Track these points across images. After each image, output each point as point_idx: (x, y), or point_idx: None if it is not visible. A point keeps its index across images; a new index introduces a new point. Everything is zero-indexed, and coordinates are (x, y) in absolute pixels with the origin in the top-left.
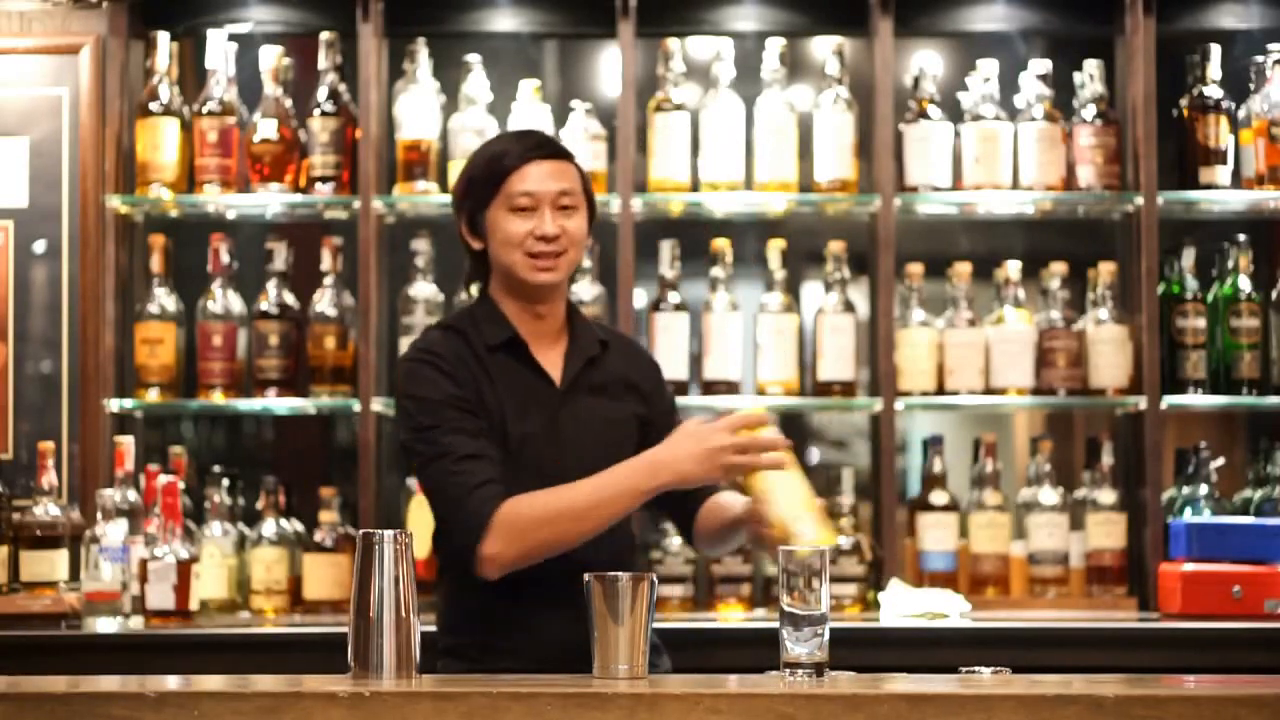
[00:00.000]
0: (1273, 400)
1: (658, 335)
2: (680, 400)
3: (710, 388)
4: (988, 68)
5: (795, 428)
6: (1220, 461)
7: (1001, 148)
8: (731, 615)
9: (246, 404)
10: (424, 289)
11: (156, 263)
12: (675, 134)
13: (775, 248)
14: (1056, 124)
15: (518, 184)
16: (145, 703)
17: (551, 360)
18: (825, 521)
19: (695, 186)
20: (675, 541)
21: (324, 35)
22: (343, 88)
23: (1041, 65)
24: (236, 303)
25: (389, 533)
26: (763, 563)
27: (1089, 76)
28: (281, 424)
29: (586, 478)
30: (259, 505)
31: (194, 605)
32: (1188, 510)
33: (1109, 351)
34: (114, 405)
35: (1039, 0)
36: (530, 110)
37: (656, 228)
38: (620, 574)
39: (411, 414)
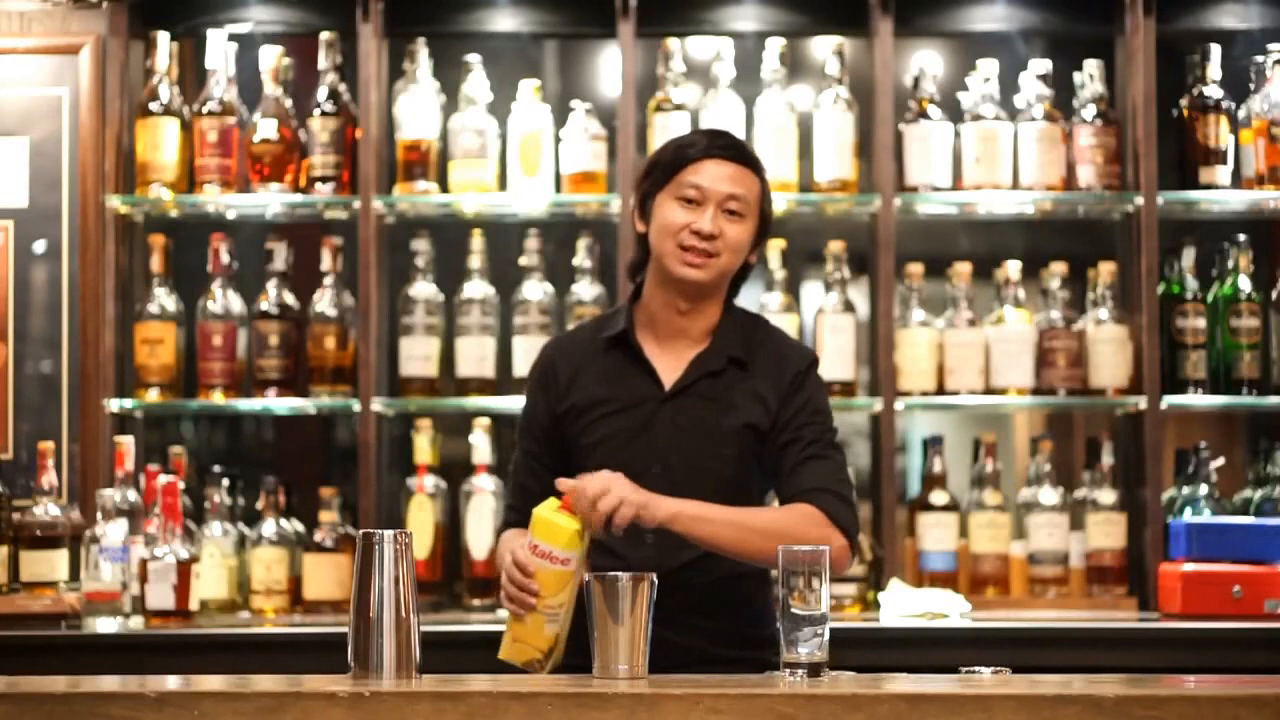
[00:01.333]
0: (1273, 400)
1: None
2: None
3: None
4: (988, 68)
5: None
6: (1220, 461)
7: (1001, 148)
8: None
9: (246, 404)
10: (424, 289)
11: (156, 263)
12: (675, 134)
13: (775, 248)
14: (1056, 124)
15: (691, 175)
16: (145, 703)
17: (673, 363)
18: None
19: None
20: None
21: (324, 35)
22: (343, 88)
23: (1041, 65)
24: (236, 303)
25: (389, 533)
26: None
27: (1089, 76)
28: (281, 424)
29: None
30: (259, 505)
31: (194, 605)
32: (1188, 510)
33: (1109, 351)
34: (114, 405)
35: (1039, 0)
36: (530, 110)
37: None
38: (620, 574)
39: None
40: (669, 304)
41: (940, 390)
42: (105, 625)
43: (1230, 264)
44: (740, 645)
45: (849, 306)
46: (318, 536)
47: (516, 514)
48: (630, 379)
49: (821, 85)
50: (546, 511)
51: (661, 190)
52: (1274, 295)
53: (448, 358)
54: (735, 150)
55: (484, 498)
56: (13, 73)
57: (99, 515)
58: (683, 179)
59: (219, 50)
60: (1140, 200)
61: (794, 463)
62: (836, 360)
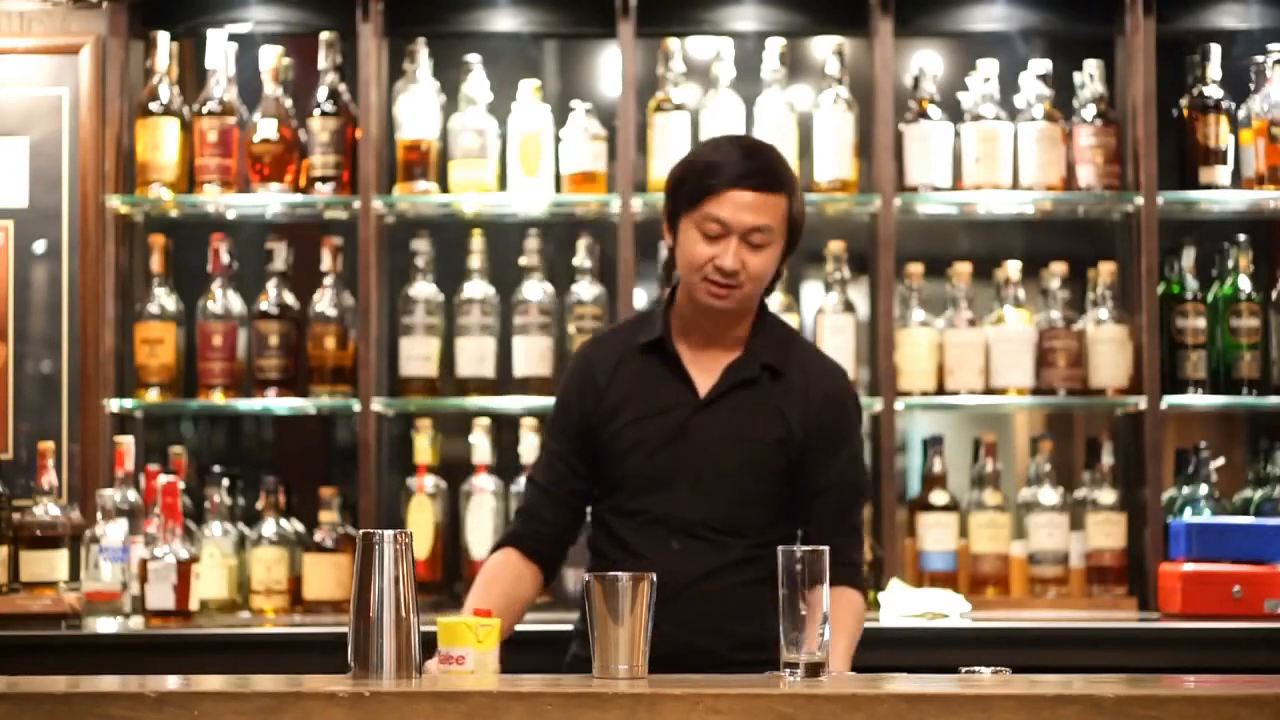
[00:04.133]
0: (1273, 400)
1: None
2: None
3: None
4: (988, 68)
5: None
6: (1220, 461)
7: (1001, 148)
8: None
9: (246, 404)
10: (424, 289)
11: (156, 263)
12: (675, 134)
13: None
14: (1056, 124)
15: (714, 208)
16: (145, 703)
17: (709, 369)
18: None
19: None
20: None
21: (324, 35)
22: (343, 88)
23: (1041, 65)
24: (236, 303)
25: (389, 533)
26: None
27: (1089, 76)
28: (281, 424)
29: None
30: (259, 505)
31: (194, 605)
32: (1188, 510)
33: (1109, 351)
34: (114, 405)
35: (1039, 0)
36: (530, 110)
37: (657, 228)
38: (620, 574)
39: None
40: (700, 314)
41: (940, 390)
42: (105, 625)
43: (1230, 264)
44: (753, 649)
45: (849, 306)
46: (318, 536)
47: (524, 520)
48: (664, 385)
49: (821, 85)
50: (451, 618)
51: (685, 214)
52: (1274, 295)
53: (448, 358)
54: (761, 178)
55: (484, 498)
56: (13, 73)
57: (99, 515)
58: (706, 210)
59: (219, 50)
60: (1140, 200)
61: (826, 528)
62: (836, 360)
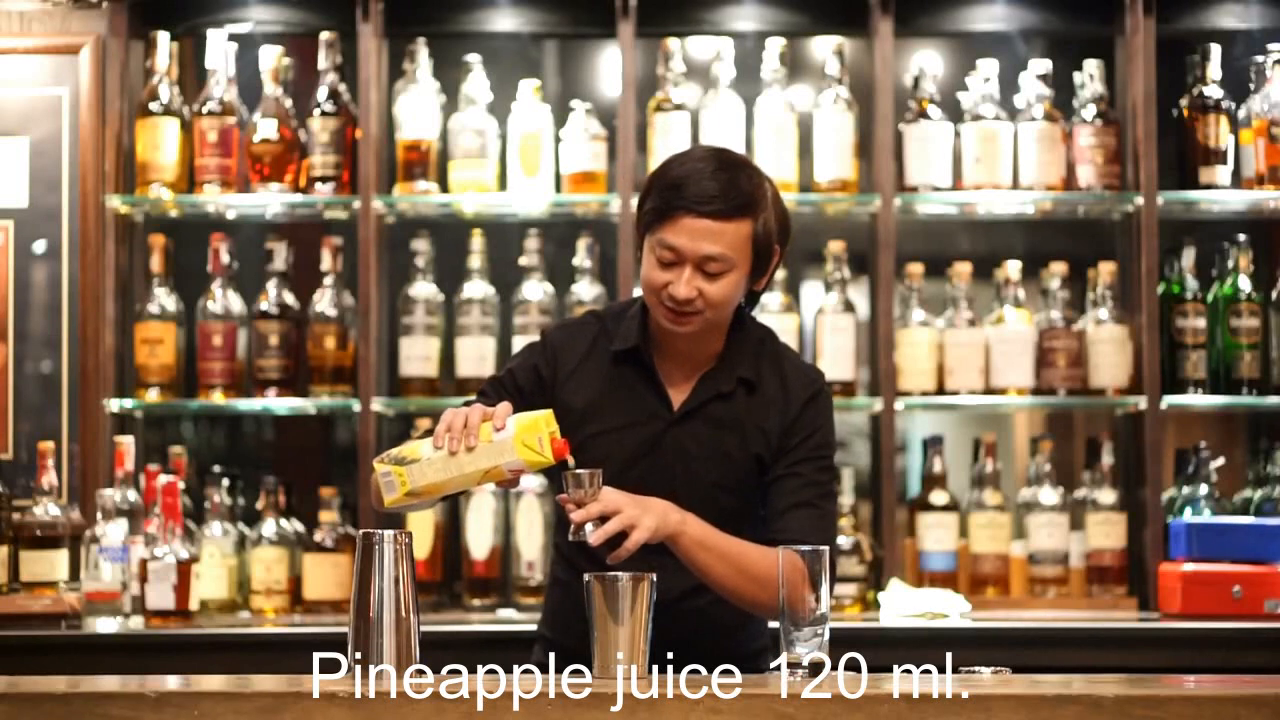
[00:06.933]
0: (1273, 400)
1: None
2: None
3: None
4: (988, 68)
5: None
6: (1220, 461)
7: (1001, 148)
8: None
9: (246, 404)
10: (424, 289)
11: (156, 263)
12: (675, 134)
13: None
14: (1056, 124)
15: (668, 233)
16: (145, 703)
17: (682, 380)
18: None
19: None
20: None
21: (324, 35)
22: (343, 88)
23: (1041, 65)
24: (236, 303)
25: (389, 533)
26: None
27: (1089, 76)
28: (281, 424)
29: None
30: (259, 505)
31: (194, 605)
32: (1188, 510)
33: (1109, 351)
34: (114, 405)
35: (1039, 0)
36: (530, 110)
37: None
38: (620, 574)
39: None
40: (667, 333)
41: (940, 390)
42: (105, 625)
43: (1230, 264)
44: (738, 660)
45: (849, 306)
46: (318, 536)
47: None
48: (636, 396)
49: (821, 85)
50: (543, 423)
51: (646, 235)
52: (1274, 295)
53: (448, 358)
54: (720, 203)
55: (483, 498)
56: (13, 73)
57: (99, 515)
58: (661, 235)
59: (219, 50)
60: (1140, 200)
61: (787, 504)
62: (836, 360)
